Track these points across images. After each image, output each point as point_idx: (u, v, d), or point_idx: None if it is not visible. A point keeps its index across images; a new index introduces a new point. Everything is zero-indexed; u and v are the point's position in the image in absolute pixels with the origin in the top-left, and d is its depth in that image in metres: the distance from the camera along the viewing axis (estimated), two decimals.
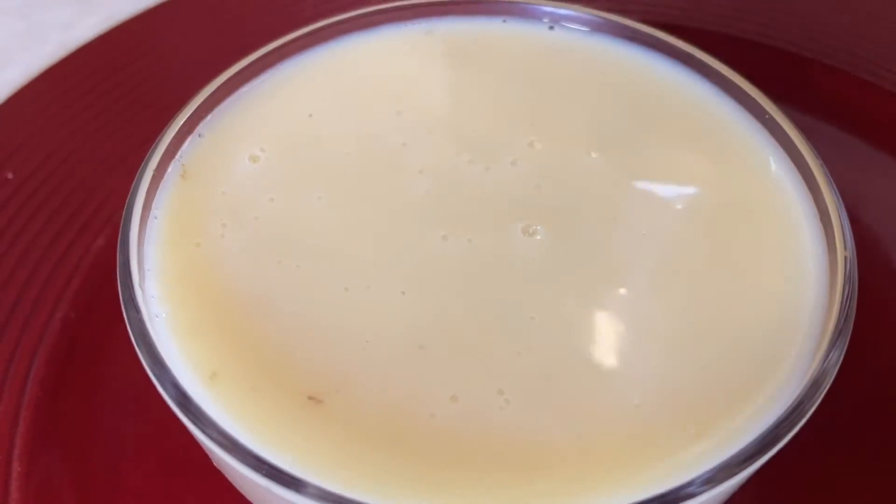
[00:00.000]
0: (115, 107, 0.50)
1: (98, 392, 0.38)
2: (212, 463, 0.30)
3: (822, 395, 0.24)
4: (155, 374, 0.24)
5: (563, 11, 0.36)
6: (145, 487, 0.35)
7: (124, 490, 0.35)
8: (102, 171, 0.46)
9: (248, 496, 0.27)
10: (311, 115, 0.33)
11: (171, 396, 0.24)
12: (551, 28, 0.36)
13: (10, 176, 0.45)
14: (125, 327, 0.40)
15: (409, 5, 0.36)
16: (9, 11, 0.62)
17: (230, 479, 0.27)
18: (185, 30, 0.54)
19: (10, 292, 0.40)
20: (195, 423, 0.23)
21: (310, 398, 0.25)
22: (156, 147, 0.30)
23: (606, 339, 0.26)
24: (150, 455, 0.36)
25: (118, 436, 0.36)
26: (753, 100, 0.32)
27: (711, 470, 0.22)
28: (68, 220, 0.44)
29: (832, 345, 0.24)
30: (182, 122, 0.31)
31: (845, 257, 0.26)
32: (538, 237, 0.29)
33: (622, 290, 0.28)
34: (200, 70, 0.34)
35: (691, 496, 0.21)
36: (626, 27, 0.35)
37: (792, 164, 0.30)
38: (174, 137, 0.30)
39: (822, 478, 0.33)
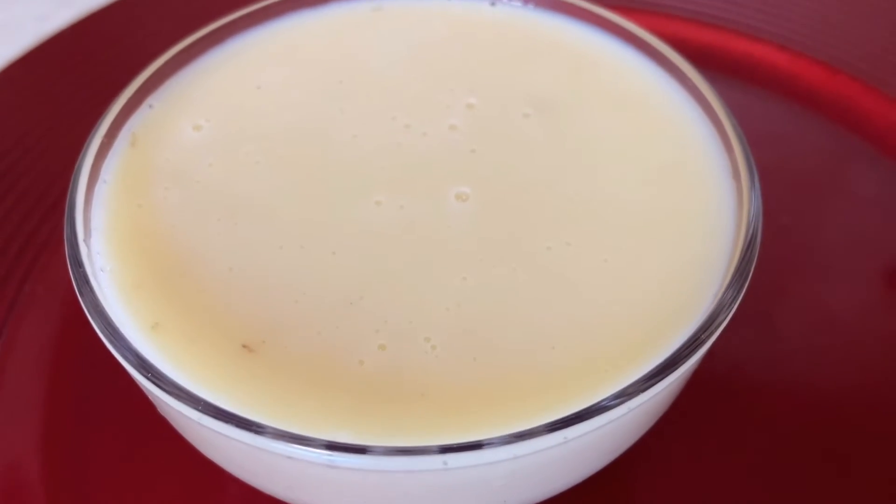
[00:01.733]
0: (87, 91, 0.51)
1: (63, 360, 0.39)
2: (167, 423, 0.32)
3: (719, 329, 0.25)
4: (97, 324, 0.26)
5: None
6: (107, 451, 0.36)
7: (89, 456, 0.36)
8: (74, 151, 0.47)
9: (192, 440, 0.28)
10: (258, 87, 0.34)
11: (112, 344, 0.25)
12: (493, 4, 0.38)
13: None
14: None
15: None
16: None
17: (175, 425, 0.28)
18: (154, 18, 0.56)
19: None
20: (138, 370, 0.25)
21: (244, 346, 0.26)
22: (104, 117, 0.31)
23: (529, 294, 0.28)
24: (113, 421, 0.37)
25: (82, 403, 0.38)
26: (676, 66, 0.33)
27: (621, 390, 0.23)
28: (39, 198, 0.45)
29: (730, 286, 0.26)
30: (130, 94, 0.32)
31: (749, 211, 0.28)
32: (469, 202, 0.30)
33: (545, 249, 0.29)
34: None
35: (606, 409, 0.23)
36: (561, 3, 0.36)
37: (711, 125, 0.32)
38: (124, 107, 0.32)
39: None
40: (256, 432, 0.23)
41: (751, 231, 0.27)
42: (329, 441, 0.23)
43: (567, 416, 0.23)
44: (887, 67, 0.50)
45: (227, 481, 0.35)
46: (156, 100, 0.33)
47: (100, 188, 0.30)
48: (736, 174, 0.30)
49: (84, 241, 0.28)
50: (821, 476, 0.35)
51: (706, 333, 0.25)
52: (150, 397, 0.28)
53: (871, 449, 0.36)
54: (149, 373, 0.24)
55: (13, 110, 0.50)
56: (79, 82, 0.52)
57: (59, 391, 0.38)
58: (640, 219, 0.30)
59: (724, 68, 0.52)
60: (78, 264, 0.26)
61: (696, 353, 0.24)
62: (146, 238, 0.29)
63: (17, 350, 0.39)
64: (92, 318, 0.26)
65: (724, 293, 0.26)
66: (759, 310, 0.41)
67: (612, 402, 0.23)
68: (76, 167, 0.29)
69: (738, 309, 0.39)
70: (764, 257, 0.43)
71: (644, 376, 0.24)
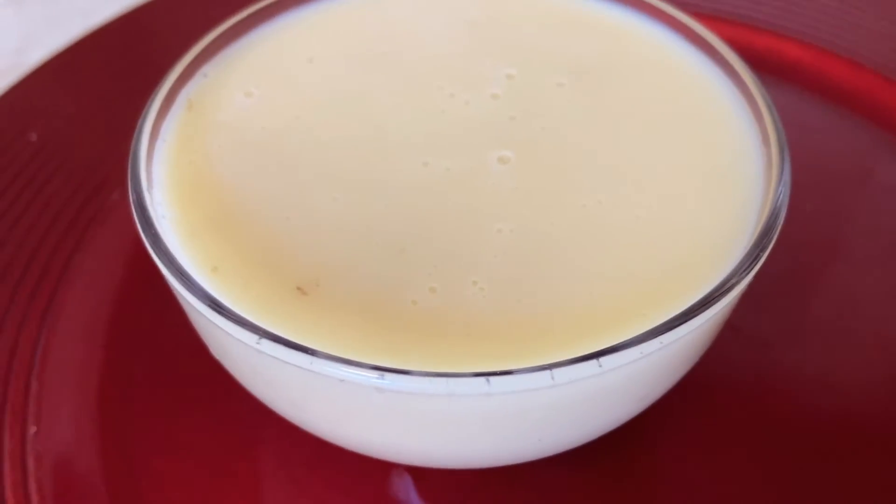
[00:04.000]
0: (132, 79, 0.53)
1: (112, 324, 0.41)
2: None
3: (738, 291, 0.27)
4: (163, 263, 0.27)
5: None
6: (154, 405, 0.38)
7: (136, 408, 0.38)
8: (119, 134, 0.49)
9: (245, 377, 0.30)
10: (310, 60, 0.36)
11: (178, 280, 0.27)
12: None
13: (33, 138, 0.49)
14: (137, 267, 0.44)
15: None
16: (35, 0, 0.67)
17: (229, 362, 0.29)
18: (194, 12, 0.58)
19: (34, 237, 0.44)
20: (203, 301, 0.26)
21: (298, 289, 0.28)
22: (162, 83, 0.33)
23: (568, 243, 0.29)
24: (161, 380, 0.39)
25: (131, 365, 0.40)
26: (706, 41, 0.35)
27: (648, 330, 0.25)
28: (86, 177, 0.48)
29: (754, 249, 0.28)
30: (186, 64, 0.34)
31: (780, 175, 0.29)
32: (510, 164, 0.32)
33: (582, 205, 0.30)
34: None
35: (636, 343, 0.25)
36: None
37: (741, 96, 0.33)
38: (181, 75, 0.34)
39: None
40: (311, 354, 0.24)
41: (779, 196, 0.29)
42: (376, 364, 0.24)
43: (601, 349, 0.24)
44: None
45: (268, 438, 0.37)
46: (210, 69, 0.35)
47: (159, 146, 0.32)
48: (766, 141, 0.31)
49: (147, 191, 0.29)
50: (837, 456, 0.36)
51: (727, 288, 0.26)
52: (205, 338, 0.30)
53: (886, 428, 0.37)
54: (213, 304, 0.26)
55: (62, 95, 0.52)
56: (123, 71, 0.54)
57: (110, 353, 0.40)
58: (672, 181, 0.31)
59: (749, 64, 0.53)
60: (142, 209, 0.28)
61: (718, 302, 0.26)
62: (204, 189, 0.31)
63: (66, 316, 0.41)
64: (158, 257, 0.27)
65: (745, 255, 0.27)
66: (785, 292, 0.42)
67: (641, 339, 0.25)
68: (138, 126, 0.31)
69: (767, 289, 0.41)
70: (790, 243, 0.44)
71: (667, 321, 0.25)
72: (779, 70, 0.53)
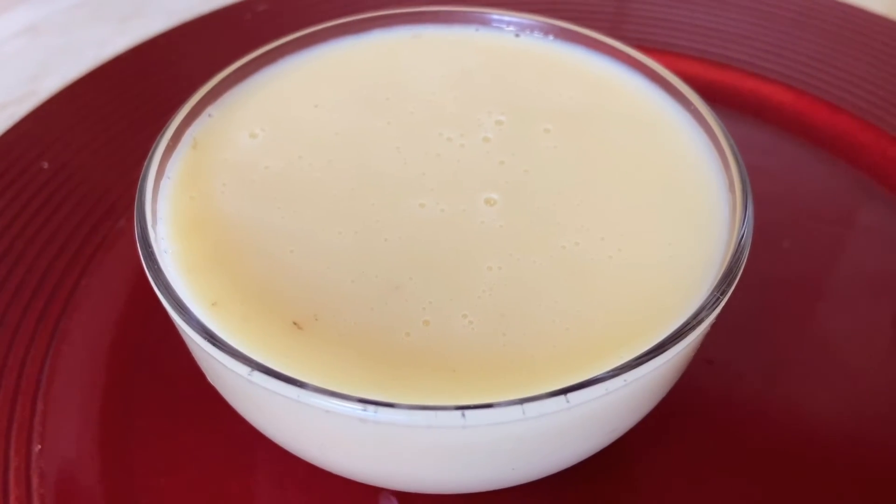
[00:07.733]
0: (142, 109, 0.56)
1: (114, 346, 0.43)
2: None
3: (707, 324, 0.29)
4: (164, 298, 0.29)
5: (526, 21, 0.41)
6: (154, 426, 0.40)
7: (136, 429, 0.40)
8: (127, 164, 0.52)
9: (239, 404, 0.31)
10: (316, 106, 0.38)
11: (178, 314, 0.29)
12: (517, 35, 0.42)
13: (45, 165, 0.51)
14: (140, 293, 0.45)
15: (398, 14, 0.42)
16: (50, 29, 0.69)
17: (224, 390, 0.31)
18: (205, 45, 0.61)
19: (42, 262, 0.46)
20: (200, 334, 0.28)
21: (294, 323, 0.30)
22: (170, 123, 0.35)
23: (546, 282, 0.31)
24: (160, 401, 0.41)
25: (132, 387, 0.42)
26: (681, 92, 0.37)
27: (607, 372, 0.27)
28: (95, 204, 0.50)
29: (718, 288, 0.29)
30: (193, 104, 0.36)
31: (742, 222, 0.31)
32: (497, 206, 0.34)
33: (561, 246, 0.32)
34: None
35: (601, 380, 0.26)
36: (579, 34, 0.40)
37: (711, 145, 0.35)
38: (187, 116, 0.36)
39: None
40: (300, 387, 0.26)
41: (742, 237, 0.30)
42: (360, 397, 0.26)
43: (569, 386, 0.26)
44: (885, 106, 0.53)
45: (262, 460, 0.38)
46: (215, 110, 0.37)
47: (164, 183, 0.34)
48: (731, 188, 0.33)
49: (151, 227, 0.31)
50: (807, 482, 0.38)
51: (691, 327, 0.28)
52: (202, 366, 0.31)
53: (853, 458, 0.39)
54: (209, 336, 0.28)
55: (75, 124, 0.55)
56: (134, 100, 0.57)
57: (112, 375, 0.42)
58: (644, 223, 0.33)
59: (734, 105, 0.56)
60: (147, 244, 0.30)
61: (682, 341, 0.28)
62: (206, 225, 0.33)
63: (72, 338, 0.43)
64: (159, 291, 0.29)
65: (711, 292, 0.29)
66: (758, 326, 0.44)
67: (608, 375, 0.27)
68: (146, 164, 0.33)
69: (740, 322, 0.43)
70: (765, 278, 0.46)
71: (636, 357, 0.27)
72: (762, 111, 0.55)
